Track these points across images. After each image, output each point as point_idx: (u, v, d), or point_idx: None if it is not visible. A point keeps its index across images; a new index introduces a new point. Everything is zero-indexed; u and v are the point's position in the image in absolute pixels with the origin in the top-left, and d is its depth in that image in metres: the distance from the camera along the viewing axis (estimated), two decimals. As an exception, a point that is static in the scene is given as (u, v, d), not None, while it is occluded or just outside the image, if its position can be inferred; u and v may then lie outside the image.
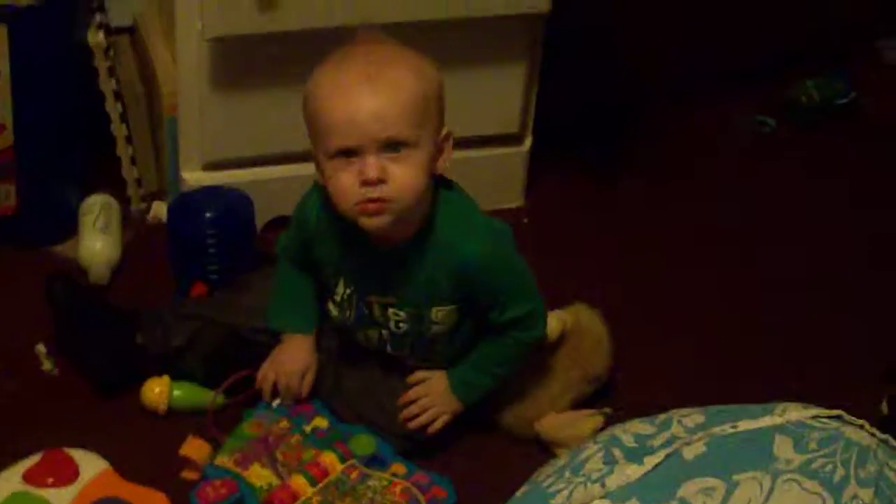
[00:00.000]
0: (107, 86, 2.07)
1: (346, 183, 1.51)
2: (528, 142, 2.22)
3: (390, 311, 1.66)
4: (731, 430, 1.39)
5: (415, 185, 1.52)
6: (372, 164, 1.49)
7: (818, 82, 2.57)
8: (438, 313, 1.65)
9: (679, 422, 1.44)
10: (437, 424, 1.71)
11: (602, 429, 1.71)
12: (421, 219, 1.58)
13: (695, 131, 2.54)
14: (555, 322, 1.79)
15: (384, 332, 1.69)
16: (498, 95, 2.09)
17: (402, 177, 1.50)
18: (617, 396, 1.85)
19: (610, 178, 2.37)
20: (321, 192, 1.62)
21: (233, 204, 1.97)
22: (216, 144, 2.04)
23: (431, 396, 1.71)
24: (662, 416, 1.48)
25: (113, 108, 2.10)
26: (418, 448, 1.71)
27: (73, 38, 2.04)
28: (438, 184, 1.60)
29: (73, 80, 2.04)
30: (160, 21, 2.16)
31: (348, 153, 1.50)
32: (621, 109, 2.54)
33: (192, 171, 2.06)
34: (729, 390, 1.66)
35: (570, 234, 2.19)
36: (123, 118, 2.12)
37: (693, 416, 1.44)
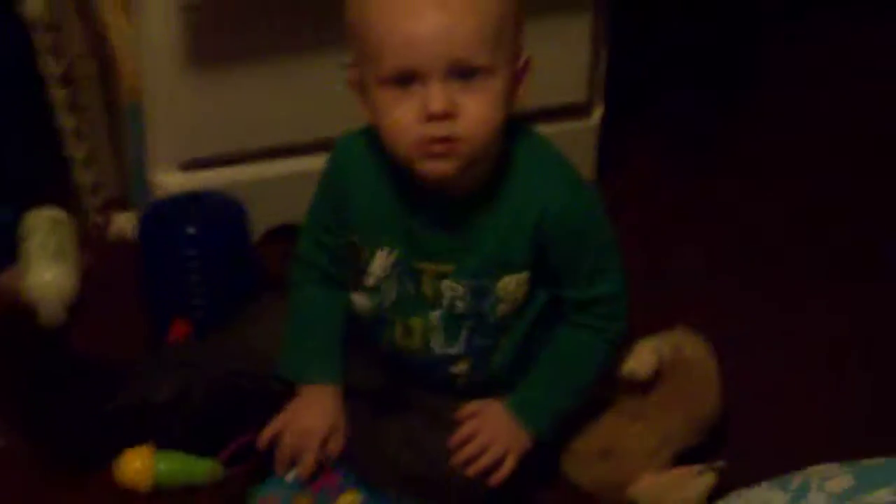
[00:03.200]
0: (50, 68, 1.89)
1: (405, 117, 1.36)
2: (597, 113, 2.08)
3: (445, 283, 1.49)
4: (892, 500, 1.25)
5: (490, 121, 1.37)
6: (438, 94, 1.34)
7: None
8: (508, 284, 1.49)
9: (820, 487, 1.31)
10: (504, 470, 1.50)
11: (717, 491, 1.50)
12: (492, 164, 1.44)
13: (795, 82, 2.38)
14: (648, 354, 1.59)
15: (433, 315, 1.51)
16: (560, 57, 1.91)
17: (475, 111, 1.35)
18: (727, 445, 1.62)
19: (697, 151, 2.20)
20: (364, 134, 1.50)
21: (220, 213, 1.79)
22: (194, 137, 1.87)
23: (489, 431, 1.51)
24: (797, 479, 1.33)
25: (59, 94, 1.91)
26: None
27: (4, 9, 1.85)
28: (513, 122, 1.45)
29: (5, 65, 1.88)
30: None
31: (407, 80, 1.35)
32: (703, 66, 2.41)
33: (164, 172, 1.88)
34: (866, 433, 1.52)
35: (652, 228, 1.99)
36: (73, 107, 1.94)
37: (837, 479, 1.30)
